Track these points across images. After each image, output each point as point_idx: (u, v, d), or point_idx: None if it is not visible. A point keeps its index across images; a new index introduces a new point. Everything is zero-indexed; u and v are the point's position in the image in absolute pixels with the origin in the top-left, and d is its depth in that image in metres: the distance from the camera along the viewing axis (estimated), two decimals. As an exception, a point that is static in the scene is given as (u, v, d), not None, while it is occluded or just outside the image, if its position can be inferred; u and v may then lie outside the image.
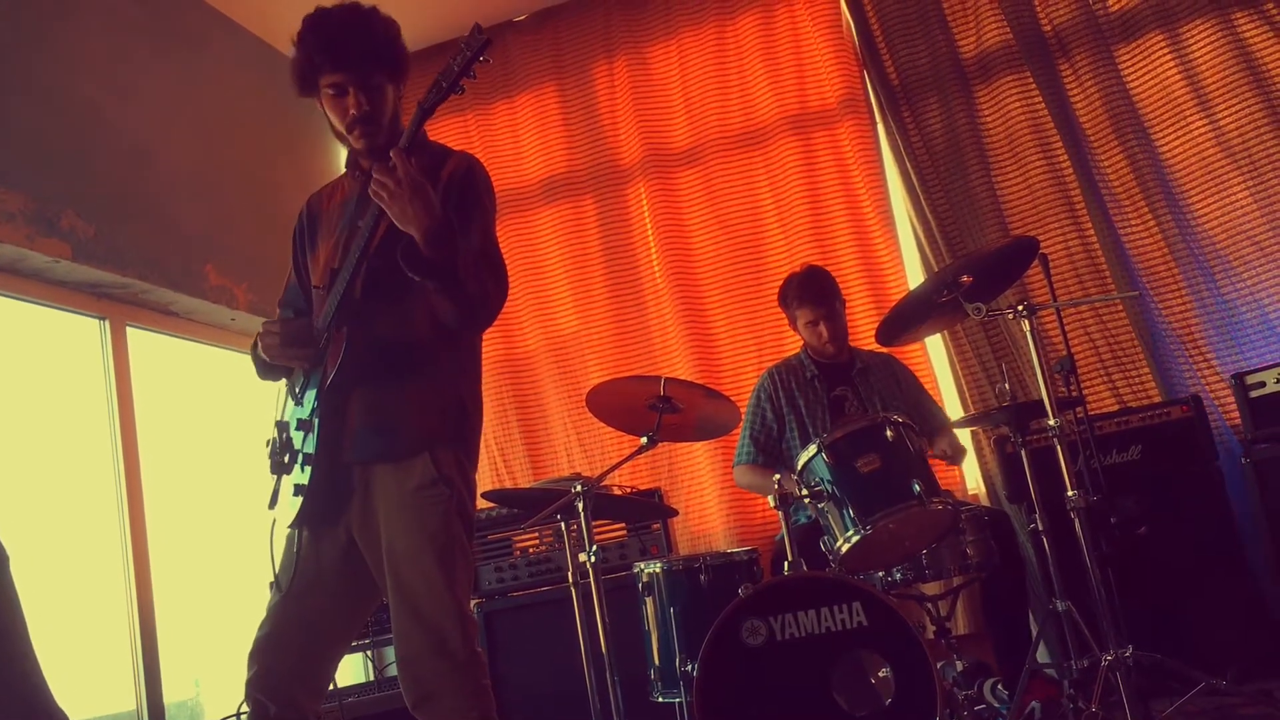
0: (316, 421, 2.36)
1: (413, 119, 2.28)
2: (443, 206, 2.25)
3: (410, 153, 2.22)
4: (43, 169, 3.77)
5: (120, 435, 4.05)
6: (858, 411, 3.98)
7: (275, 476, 2.46)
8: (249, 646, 2.40)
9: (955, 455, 3.88)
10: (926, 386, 4.32)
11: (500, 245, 2.51)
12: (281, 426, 2.48)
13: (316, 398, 2.38)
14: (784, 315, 4.28)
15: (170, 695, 4.01)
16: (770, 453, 4.08)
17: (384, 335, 2.38)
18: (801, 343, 4.20)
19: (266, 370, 2.58)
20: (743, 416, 4.01)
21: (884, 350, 4.11)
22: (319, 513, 2.37)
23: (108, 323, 4.16)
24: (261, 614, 2.43)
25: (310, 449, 2.36)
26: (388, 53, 2.43)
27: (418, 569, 2.28)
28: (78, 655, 3.86)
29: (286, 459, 2.42)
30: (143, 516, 4.05)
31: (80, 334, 4.13)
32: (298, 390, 2.48)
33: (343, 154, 2.65)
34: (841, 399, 4.04)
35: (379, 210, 2.28)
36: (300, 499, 2.36)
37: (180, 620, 4.17)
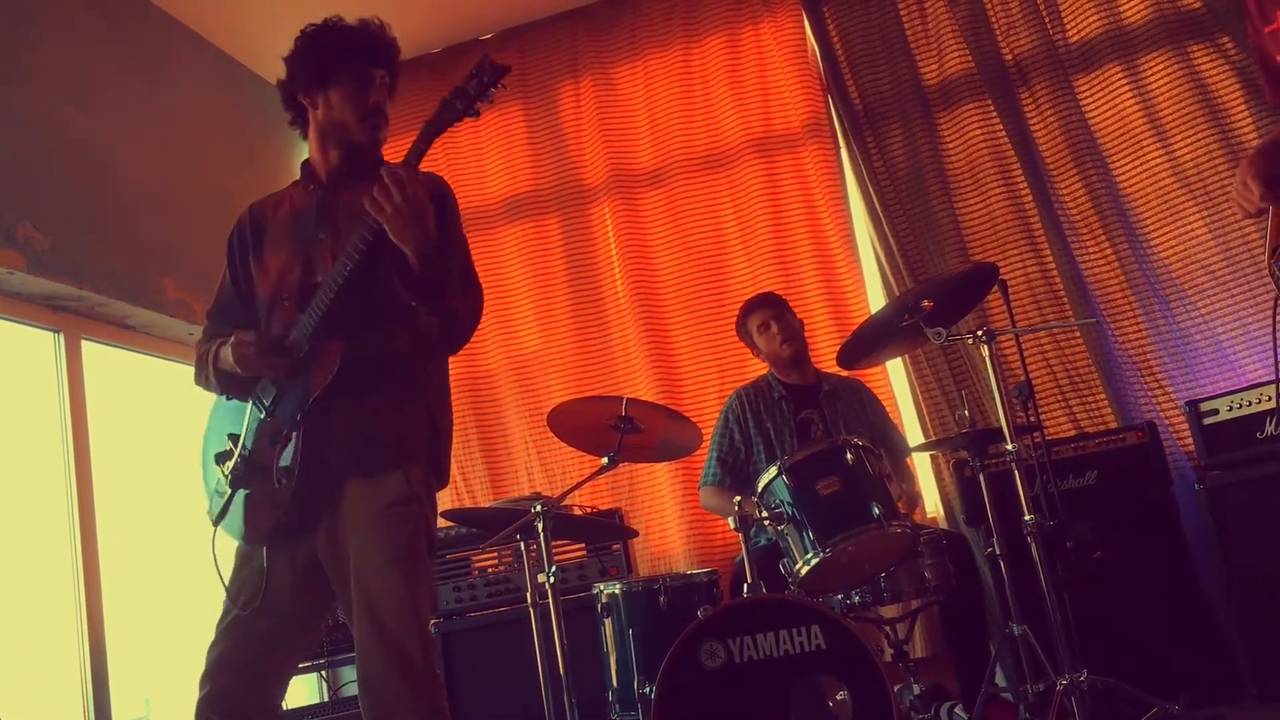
0: (297, 435, 2.33)
1: (420, 136, 2.32)
2: None
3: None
4: (-2, 180, 3.71)
5: (73, 450, 3.98)
6: (823, 434, 3.99)
7: (229, 491, 2.43)
8: (201, 665, 2.36)
9: (910, 502, 3.91)
10: (887, 410, 4.34)
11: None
12: (234, 439, 2.44)
13: (296, 411, 2.35)
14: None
15: (119, 713, 3.94)
16: (737, 475, 4.08)
17: (367, 351, 2.37)
18: (767, 367, 4.22)
19: (232, 384, 2.49)
20: (704, 438, 4.01)
21: (851, 375, 4.14)
22: (291, 528, 2.35)
23: (62, 335, 4.08)
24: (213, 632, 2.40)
25: (287, 462, 2.33)
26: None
27: (385, 585, 2.26)
28: (26, 672, 3.78)
29: (245, 474, 2.39)
30: (94, 532, 3.98)
31: (34, 347, 4.06)
32: (267, 403, 2.44)
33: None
34: (808, 422, 4.05)
35: (373, 226, 2.26)
36: (257, 513, 2.34)
37: (130, 637, 4.10)
